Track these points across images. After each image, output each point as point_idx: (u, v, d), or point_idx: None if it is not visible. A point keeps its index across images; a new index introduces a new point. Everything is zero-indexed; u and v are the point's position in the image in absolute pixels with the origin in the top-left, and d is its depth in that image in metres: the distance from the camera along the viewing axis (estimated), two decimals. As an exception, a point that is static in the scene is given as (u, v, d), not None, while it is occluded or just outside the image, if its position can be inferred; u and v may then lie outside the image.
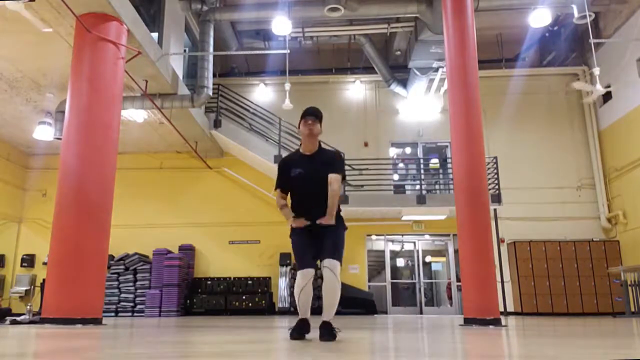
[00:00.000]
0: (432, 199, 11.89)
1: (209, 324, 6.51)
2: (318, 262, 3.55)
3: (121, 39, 7.35)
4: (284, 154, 10.90)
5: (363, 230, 13.17)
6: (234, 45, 12.86)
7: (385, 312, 12.84)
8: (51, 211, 7.00)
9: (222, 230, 13.16)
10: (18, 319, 6.97)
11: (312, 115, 3.60)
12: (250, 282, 12.30)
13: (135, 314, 11.79)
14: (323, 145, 3.86)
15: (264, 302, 11.99)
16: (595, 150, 13.42)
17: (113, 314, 11.73)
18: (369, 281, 13.03)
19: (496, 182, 11.83)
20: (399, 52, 13.83)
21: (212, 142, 12.72)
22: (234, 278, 12.43)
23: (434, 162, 13.85)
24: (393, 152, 14.27)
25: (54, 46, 8.18)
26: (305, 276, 3.45)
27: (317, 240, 3.54)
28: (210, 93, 10.60)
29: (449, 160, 12.80)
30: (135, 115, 10.78)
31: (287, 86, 10.01)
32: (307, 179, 3.56)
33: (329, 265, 3.38)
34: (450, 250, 13.36)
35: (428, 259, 14.16)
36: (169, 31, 10.47)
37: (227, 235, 13.15)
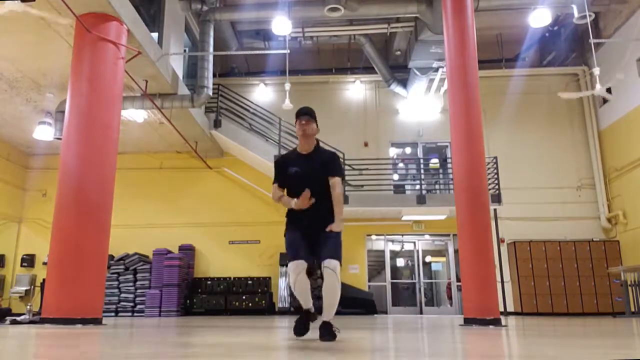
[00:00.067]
0: (432, 199, 11.89)
1: (209, 324, 6.51)
2: (317, 262, 3.55)
3: (121, 39, 7.35)
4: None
5: (363, 230, 13.17)
6: (234, 45, 12.86)
7: (385, 312, 12.84)
8: (51, 211, 7.00)
9: (222, 230, 13.16)
10: (18, 319, 6.98)
11: (306, 115, 3.60)
12: (250, 282, 12.30)
13: (135, 314, 11.79)
14: (322, 145, 3.86)
15: (264, 302, 11.99)
16: (595, 150, 13.42)
17: (113, 314, 11.73)
18: (369, 281, 13.03)
19: (496, 182, 11.83)
20: (399, 52, 13.83)
21: (212, 142, 12.72)
22: (234, 278, 12.43)
23: (434, 162, 13.85)
24: (393, 152, 14.27)
25: (54, 46, 8.18)
26: (297, 267, 3.41)
27: (312, 241, 3.54)
28: (210, 93, 10.60)
29: (449, 160, 12.81)
30: (135, 115, 10.78)
31: (287, 86, 10.01)
32: (304, 178, 3.56)
33: (329, 265, 3.38)
34: (450, 250, 13.36)
35: (428, 259, 14.16)
36: (169, 31, 10.47)
37: (227, 235, 13.15)
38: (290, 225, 3.64)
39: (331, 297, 3.40)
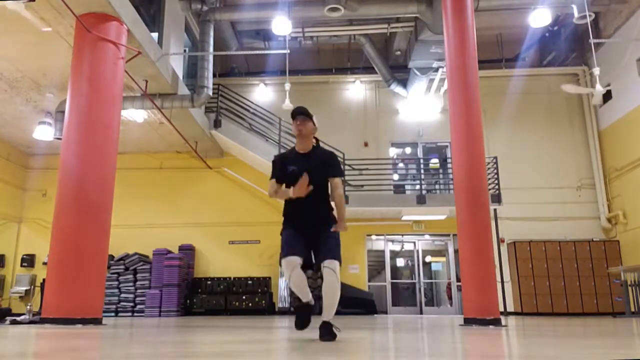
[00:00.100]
0: (432, 199, 11.89)
1: (209, 324, 6.51)
2: (316, 262, 3.55)
3: (121, 39, 7.35)
4: (284, 154, 10.89)
5: (363, 230, 13.17)
6: (234, 45, 12.87)
7: (385, 312, 12.84)
8: (51, 211, 7.00)
9: (222, 230, 13.16)
10: (18, 319, 6.98)
11: (301, 114, 3.61)
12: (250, 282, 12.30)
13: (135, 314, 11.79)
14: (321, 145, 3.86)
15: (264, 302, 11.99)
16: (595, 150, 13.43)
17: (113, 314, 11.73)
18: (369, 281, 13.03)
19: (496, 182, 11.84)
20: (399, 52, 13.83)
21: (212, 142, 12.72)
22: (234, 278, 12.43)
23: (434, 162, 13.85)
24: (393, 152, 14.27)
25: (54, 46, 8.18)
26: (289, 263, 3.39)
27: (311, 240, 3.53)
28: (210, 93, 10.60)
29: (449, 160, 12.81)
30: (135, 115, 10.79)
31: (287, 86, 10.01)
32: (302, 175, 3.54)
33: (329, 265, 3.38)
34: (450, 250, 13.36)
35: (428, 259, 14.16)
36: (169, 31, 10.47)
37: (227, 235, 13.15)
38: (287, 224, 3.65)
39: (331, 297, 3.40)
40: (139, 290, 11.92)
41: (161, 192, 13.44)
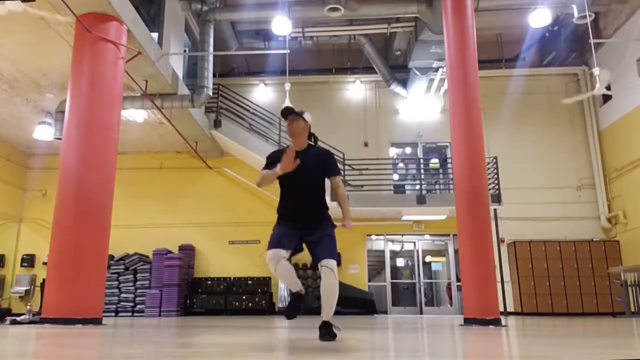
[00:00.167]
0: (432, 199, 11.89)
1: (209, 324, 6.51)
2: (314, 262, 3.55)
3: (121, 39, 7.35)
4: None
5: (363, 230, 13.17)
6: (234, 45, 12.86)
7: (385, 312, 12.84)
8: (51, 211, 7.00)
9: (222, 230, 13.16)
10: (18, 319, 6.98)
11: (290, 113, 3.62)
12: (250, 282, 12.30)
13: (135, 314, 11.79)
14: (321, 144, 3.86)
15: (264, 302, 11.99)
16: (595, 150, 13.43)
17: (113, 314, 11.73)
18: (369, 281, 13.03)
19: (496, 182, 11.84)
20: (399, 52, 13.83)
21: (212, 142, 12.72)
22: (234, 278, 12.43)
23: (434, 162, 13.85)
24: (393, 152, 14.27)
25: (54, 46, 8.18)
26: (274, 255, 3.36)
27: (302, 238, 3.53)
28: (210, 93, 10.60)
29: (449, 160, 12.81)
30: (135, 115, 10.78)
31: (287, 86, 10.01)
32: (297, 173, 3.52)
33: (327, 264, 3.38)
34: (450, 250, 13.36)
35: (428, 259, 14.16)
36: (169, 31, 10.47)
37: (227, 235, 13.15)
38: (280, 220, 3.65)
39: (329, 296, 3.40)
40: (139, 290, 11.92)
41: (161, 192, 13.44)
